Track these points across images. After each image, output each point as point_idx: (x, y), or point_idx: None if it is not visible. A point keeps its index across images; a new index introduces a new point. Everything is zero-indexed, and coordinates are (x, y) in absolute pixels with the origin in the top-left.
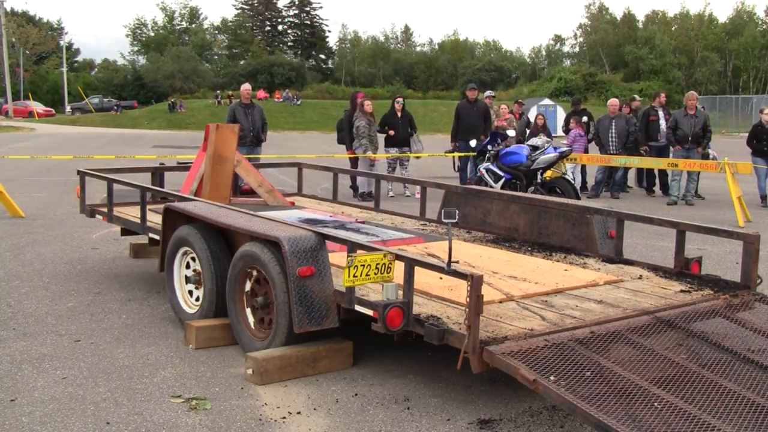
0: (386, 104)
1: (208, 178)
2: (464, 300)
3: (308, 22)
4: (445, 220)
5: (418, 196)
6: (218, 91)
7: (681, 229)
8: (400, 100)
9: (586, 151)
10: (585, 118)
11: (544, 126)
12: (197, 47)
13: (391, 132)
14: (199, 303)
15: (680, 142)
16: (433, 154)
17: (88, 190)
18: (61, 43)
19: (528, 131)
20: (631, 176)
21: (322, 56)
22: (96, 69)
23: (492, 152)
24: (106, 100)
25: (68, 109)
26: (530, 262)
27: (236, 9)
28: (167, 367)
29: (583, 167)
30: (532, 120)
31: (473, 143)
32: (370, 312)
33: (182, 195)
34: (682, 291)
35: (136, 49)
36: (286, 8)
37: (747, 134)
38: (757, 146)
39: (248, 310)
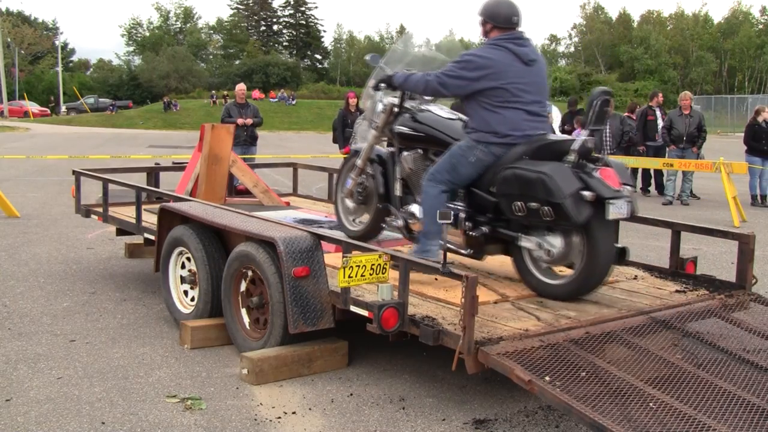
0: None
1: (203, 178)
2: (459, 301)
3: (303, 22)
4: (440, 221)
5: None
6: (213, 91)
7: (676, 230)
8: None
9: None
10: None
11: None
12: (192, 47)
13: None
14: (194, 303)
15: (675, 141)
16: None
17: (84, 190)
18: (57, 43)
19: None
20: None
21: (318, 56)
22: (91, 69)
23: None
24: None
25: (63, 108)
26: None
27: (231, 9)
28: (162, 367)
29: None
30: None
31: None
32: (365, 312)
33: (177, 195)
34: (677, 291)
35: (131, 49)
36: (281, 8)
37: (742, 134)
38: (756, 146)
39: (243, 311)
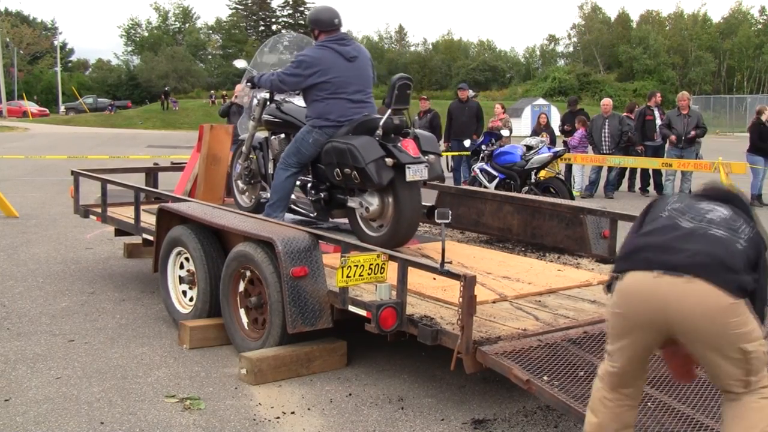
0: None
1: (201, 178)
2: (457, 300)
3: (302, 22)
4: (439, 221)
5: None
6: (212, 91)
7: None
8: None
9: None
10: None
11: (547, 125)
12: (191, 47)
13: None
14: (192, 303)
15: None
16: None
17: (82, 191)
18: (55, 43)
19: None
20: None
21: None
22: (90, 69)
23: (486, 152)
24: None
25: (62, 108)
26: (524, 263)
27: (230, 9)
28: (161, 367)
29: (569, 169)
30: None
31: (467, 143)
32: (363, 312)
33: (176, 195)
34: None
35: (130, 49)
36: (280, 8)
37: (741, 134)
38: (762, 146)
39: (242, 311)
